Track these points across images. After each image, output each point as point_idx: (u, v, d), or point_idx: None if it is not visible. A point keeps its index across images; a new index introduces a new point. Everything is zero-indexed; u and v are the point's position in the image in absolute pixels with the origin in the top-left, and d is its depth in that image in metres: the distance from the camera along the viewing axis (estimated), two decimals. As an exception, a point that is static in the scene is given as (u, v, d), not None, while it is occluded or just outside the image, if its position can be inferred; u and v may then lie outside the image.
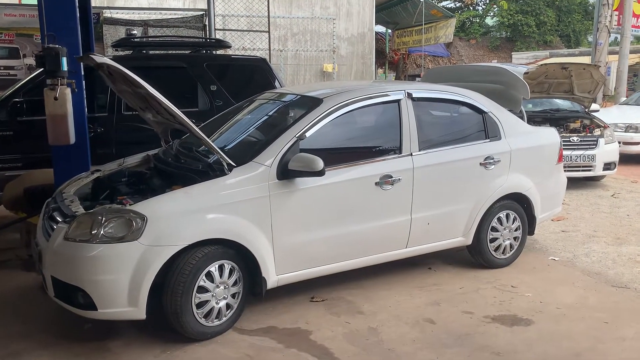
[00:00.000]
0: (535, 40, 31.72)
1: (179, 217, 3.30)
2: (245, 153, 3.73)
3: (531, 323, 3.73)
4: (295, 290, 4.05)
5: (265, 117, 4.32)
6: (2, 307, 3.94)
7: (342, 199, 3.83)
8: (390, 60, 21.56)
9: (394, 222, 4.08)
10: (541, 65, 8.23)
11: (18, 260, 4.90)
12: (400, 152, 4.12)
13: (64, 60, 4.35)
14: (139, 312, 3.23)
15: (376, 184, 3.94)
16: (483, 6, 35.97)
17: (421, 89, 4.44)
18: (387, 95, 4.20)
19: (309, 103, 4.01)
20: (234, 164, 3.53)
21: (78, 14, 4.71)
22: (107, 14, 8.89)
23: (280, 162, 3.58)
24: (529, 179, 4.76)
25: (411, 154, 4.14)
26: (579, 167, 7.85)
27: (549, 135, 5.06)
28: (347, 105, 3.98)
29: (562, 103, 8.94)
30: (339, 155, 3.93)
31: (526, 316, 3.83)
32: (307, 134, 3.74)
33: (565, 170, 7.65)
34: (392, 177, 3.99)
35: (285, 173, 3.57)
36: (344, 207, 3.84)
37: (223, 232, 3.41)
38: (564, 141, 7.79)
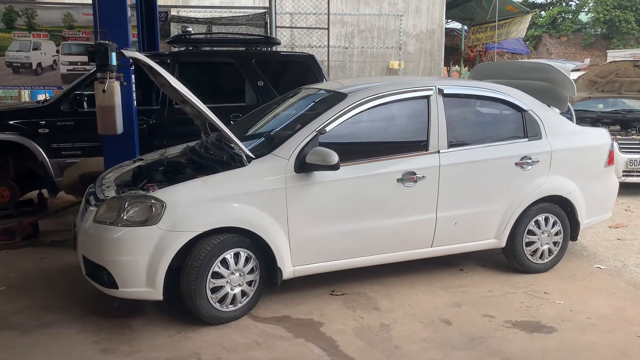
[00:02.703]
0: (634, 37, 29.67)
1: (196, 205, 3.45)
2: (267, 146, 3.83)
3: (553, 331, 3.56)
4: (317, 282, 4.10)
5: (294, 112, 4.39)
6: (46, 283, 4.30)
7: (361, 194, 3.83)
8: (466, 57, 20.95)
9: (417, 220, 4.03)
10: (611, 62, 7.74)
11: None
12: (427, 149, 4.05)
13: (113, 55, 4.64)
14: (156, 293, 3.41)
15: (398, 180, 3.90)
16: (577, 1, 34.07)
17: (453, 85, 4.33)
18: (416, 90, 4.14)
19: (334, 98, 4.04)
20: (253, 156, 3.64)
21: (129, 12, 5.00)
22: (174, 12, 9.36)
23: (299, 155, 3.64)
24: (572, 182, 4.52)
25: (438, 151, 4.06)
26: (650, 172, 7.31)
27: (598, 136, 4.77)
28: (371, 100, 3.97)
29: (636, 103, 8.36)
30: (361, 150, 3.95)
31: (550, 324, 3.65)
32: (328, 129, 3.77)
33: (633, 175, 7.31)
34: (415, 174, 3.94)
35: (303, 166, 3.62)
36: (362, 202, 3.84)
37: (238, 221, 3.52)
38: (633, 144, 7.35)
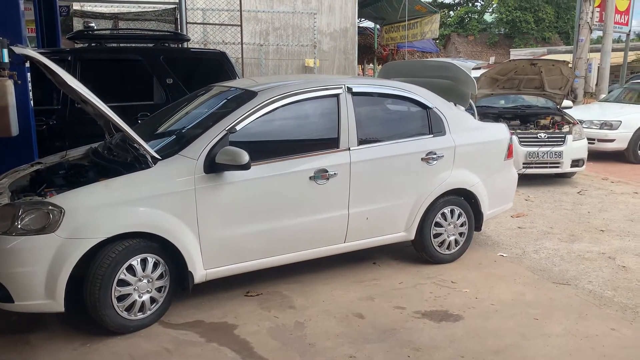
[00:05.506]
0: (533, 37, 31.75)
1: (97, 210, 3.28)
2: (174, 146, 3.72)
3: (460, 319, 3.72)
4: (231, 284, 4.04)
5: (205, 110, 4.29)
6: None
7: (273, 193, 3.81)
8: (379, 55, 21.51)
9: (330, 217, 4.07)
10: (510, 60, 8.20)
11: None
12: (338, 147, 4.10)
13: (5, 52, 4.31)
14: (57, 305, 3.22)
15: (310, 178, 3.92)
16: (482, 2, 35.97)
17: (362, 84, 4.41)
18: (326, 89, 4.17)
19: (245, 96, 3.99)
20: (158, 157, 3.51)
21: (22, 5, 4.67)
22: (77, 6, 8.88)
23: (208, 155, 3.56)
24: (475, 175, 4.74)
25: (349, 149, 4.12)
26: (547, 163, 7.83)
27: (498, 131, 5.04)
28: (282, 98, 3.96)
29: (534, 99, 8.93)
30: (272, 149, 3.92)
31: (457, 312, 3.82)
32: (238, 127, 3.71)
33: (532, 167, 7.80)
34: (327, 171, 3.98)
35: (213, 167, 3.55)
36: (275, 201, 3.82)
37: (144, 226, 3.39)
38: (531, 138, 7.84)
